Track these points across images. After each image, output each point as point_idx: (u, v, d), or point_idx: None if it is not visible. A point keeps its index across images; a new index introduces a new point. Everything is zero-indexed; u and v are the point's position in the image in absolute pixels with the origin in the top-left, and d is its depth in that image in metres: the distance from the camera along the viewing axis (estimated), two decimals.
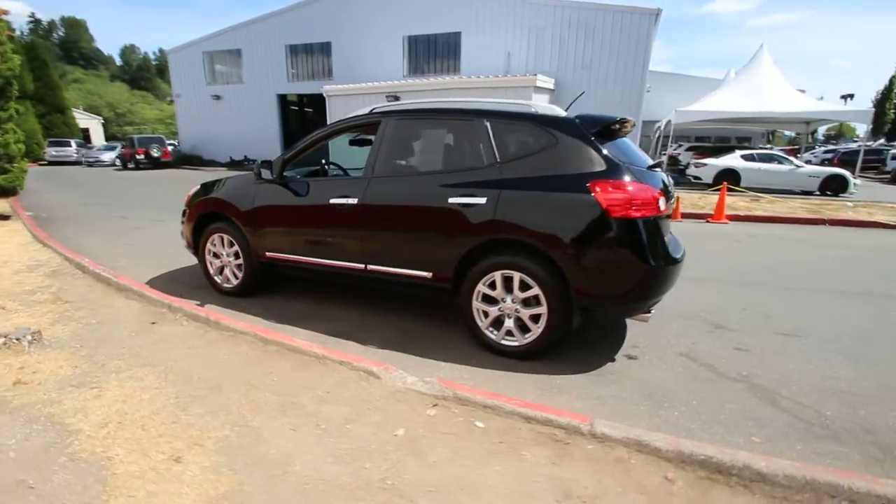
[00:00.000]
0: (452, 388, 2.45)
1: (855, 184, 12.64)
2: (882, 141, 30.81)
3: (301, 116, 25.50)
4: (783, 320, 3.83)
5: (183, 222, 4.54)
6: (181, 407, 2.38)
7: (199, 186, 4.47)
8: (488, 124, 3.10)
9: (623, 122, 2.99)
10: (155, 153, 20.14)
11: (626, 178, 2.74)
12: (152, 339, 3.24)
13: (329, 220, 3.58)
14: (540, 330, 2.96)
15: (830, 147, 30.22)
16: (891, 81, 33.24)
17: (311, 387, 2.59)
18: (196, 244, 4.42)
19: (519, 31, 16.86)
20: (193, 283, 4.63)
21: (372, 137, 4.52)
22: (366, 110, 3.71)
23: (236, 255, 4.18)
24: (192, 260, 5.32)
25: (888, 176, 20.14)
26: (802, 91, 16.64)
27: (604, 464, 2.00)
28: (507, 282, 3.01)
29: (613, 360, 3.10)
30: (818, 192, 12.83)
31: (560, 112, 3.06)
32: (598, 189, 2.72)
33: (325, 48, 20.15)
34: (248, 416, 2.30)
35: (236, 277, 4.23)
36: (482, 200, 2.97)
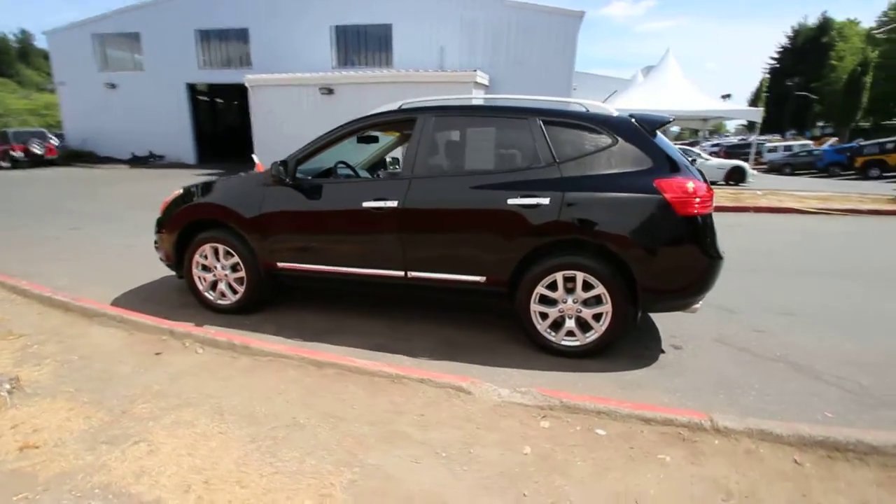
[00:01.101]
0: (558, 396, 2.38)
1: (752, 174, 14.47)
2: (755, 136, 35.56)
3: (212, 108, 23.34)
4: (771, 301, 4.24)
5: (159, 234, 3.91)
6: (268, 452, 2.04)
7: (180, 191, 3.88)
8: (542, 123, 3.03)
9: (670, 122, 3.09)
10: (37, 149, 17.09)
11: (688, 177, 2.84)
12: (169, 374, 2.75)
13: (362, 225, 3.29)
14: (603, 328, 2.98)
15: (715, 141, 34.26)
16: (760, 83, 38.46)
17: (401, 411, 2.36)
18: (179, 258, 3.83)
19: (451, 25, 16.87)
20: (171, 302, 4.03)
21: (378, 134, 4.28)
22: (393, 106, 3.45)
23: (234, 268, 3.70)
24: (152, 274, 4.69)
25: (765, 166, 23.32)
26: (727, 95, 18.64)
27: (737, 457, 2.06)
28: (568, 282, 2.99)
29: (663, 351, 3.22)
30: (723, 182, 14.48)
31: (612, 111, 3.08)
32: (665, 188, 2.78)
33: (241, 35, 18.55)
34: (357, 453, 2.03)
35: (234, 292, 3.74)
36: (545, 201, 2.91)
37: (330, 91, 14.97)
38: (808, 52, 43.16)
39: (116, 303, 3.96)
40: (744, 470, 1.98)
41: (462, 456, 2.03)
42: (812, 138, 33.51)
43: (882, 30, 34.30)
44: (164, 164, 19.39)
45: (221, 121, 23.89)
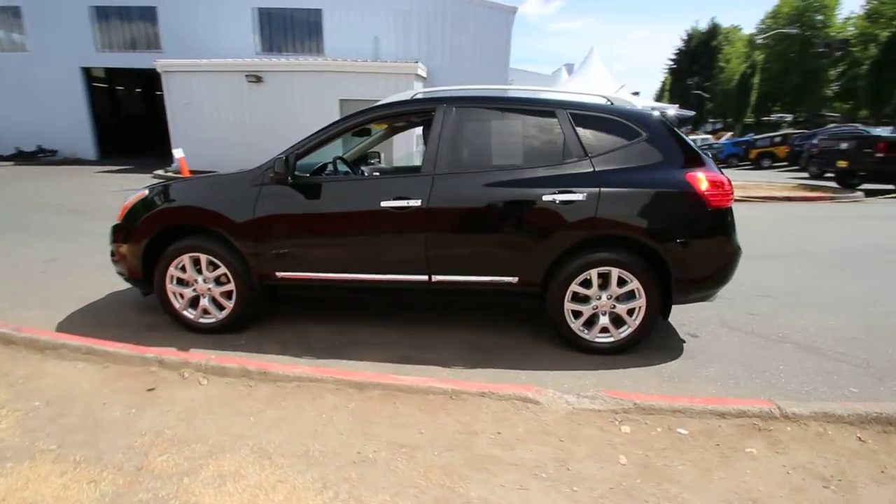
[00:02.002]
0: (630, 398, 2.32)
1: None
2: None
3: (111, 96, 20.71)
4: (751, 284, 4.54)
5: (119, 244, 3.30)
6: (351, 497, 1.75)
7: (145, 192, 3.29)
8: (571, 117, 2.94)
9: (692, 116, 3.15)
10: None
11: (713, 170, 2.91)
12: (176, 414, 2.30)
13: (380, 227, 3.00)
14: (637, 323, 2.98)
15: None
16: (663, 83, 41.98)
17: (473, 431, 2.16)
18: (148, 272, 3.27)
19: (385, 15, 16.35)
20: (134, 324, 3.45)
21: (369, 127, 3.95)
22: (405, 96, 3.18)
23: (218, 281, 3.22)
24: (94, 291, 4.05)
25: None
26: (637, 93, 19.92)
27: (810, 441, 2.13)
28: (602, 278, 2.95)
29: (684, 340, 3.31)
30: None
31: (637, 105, 3.07)
32: (696, 181, 2.82)
33: (147, 14, 16.53)
34: (453, 486, 1.81)
35: (220, 308, 3.27)
36: (581, 196, 2.83)
37: (258, 79, 13.86)
38: (700, 54, 47.86)
39: (64, 329, 3.29)
40: (823, 453, 2.05)
41: (563, 475, 1.89)
42: (710, 132, 37.23)
43: (762, 36, 38.87)
44: (56, 160, 16.84)
45: (123, 110, 21.29)
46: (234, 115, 14.10)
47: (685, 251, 2.85)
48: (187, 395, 2.46)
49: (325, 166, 3.57)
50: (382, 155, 4.89)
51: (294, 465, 1.93)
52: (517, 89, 3.57)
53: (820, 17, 38.95)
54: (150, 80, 20.67)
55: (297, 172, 3.11)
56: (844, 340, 3.31)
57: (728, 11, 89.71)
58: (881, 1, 34.21)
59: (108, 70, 19.13)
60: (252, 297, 3.23)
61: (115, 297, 4.01)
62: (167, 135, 14.14)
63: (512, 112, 3.05)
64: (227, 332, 3.29)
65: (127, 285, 4.11)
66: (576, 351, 3.07)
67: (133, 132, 20.31)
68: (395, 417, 2.26)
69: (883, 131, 12.19)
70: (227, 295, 3.24)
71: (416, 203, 2.91)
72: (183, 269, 3.22)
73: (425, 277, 3.03)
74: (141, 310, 3.72)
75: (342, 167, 3.64)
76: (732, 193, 2.95)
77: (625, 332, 3.01)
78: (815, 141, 14.88)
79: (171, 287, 3.26)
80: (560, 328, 3.04)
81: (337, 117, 14.43)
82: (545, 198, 2.85)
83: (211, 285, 3.24)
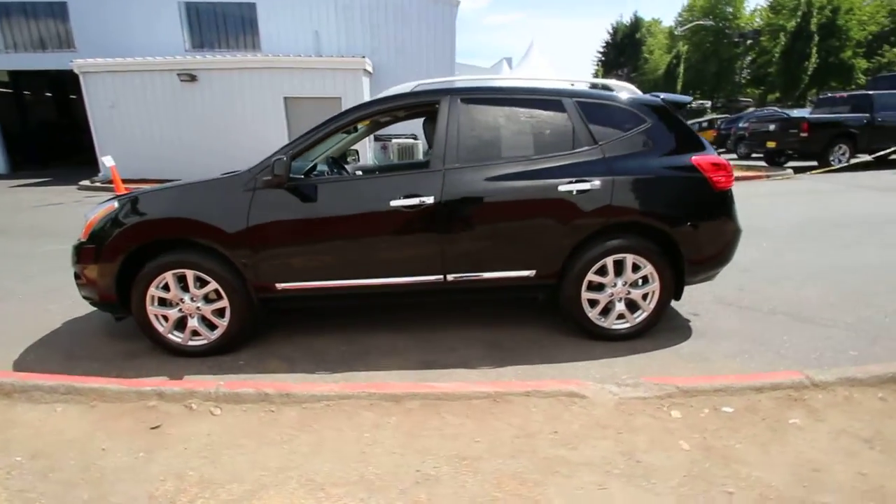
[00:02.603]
0: (672, 383, 2.33)
1: None
2: None
3: (17, 102, 18.55)
4: None
5: (87, 265, 2.90)
6: None
7: (114, 205, 2.91)
8: (578, 105, 2.92)
9: (690, 102, 3.22)
10: None
11: (713, 154, 2.99)
12: (196, 452, 2.04)
13: (391, 227, 2.83)
14: (651, 307, 3.02)
15: None
16: (595, 74, 43.76)
17: (529, 433, 2.08)
18: (124, 295, 2.90)
19: (325, 8, 15.72)
20: (107, 353, 3.10)
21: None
22: (404, 88, 3.01)
23: (207, 298, 2.93)
24: (45, 321, 3.58)
25: None
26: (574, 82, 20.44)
27: (841, 405, 2.24)
28: (617, 265, 2.96)
29: (688, 320, 3.41)
30: None
31: (637, 92, 3.09)
32: (702, 165, 2.90)
33: (57, 10, 14.83)
34: (533, 495, 1.72)
35: (212, 328, 2.98)
36: (597, 184, 2.81)
37: (192, 78, 12.90)
38: (626, 46, 50.32)
39: (26, 367, 2.86)
40: (856, 416, 2.16)
41: (635, 469, 1.86)
42: None
43: (682, 28, 41.43)
44: None
45: (33, 118, 19.14)
46: (167, 117, 13.07)
47: (695, 233, 2.92)
48: (201, 429, 2.19)
49: (315, 166, 3.33)
50: (359, 153, 4.68)
51: (353, 493, 1.76)
52: (509, 79, 3.51)
53: (730, 10, 42.10)
54: (62, 83, 18.79)
55: (291, 174, 2.87)
56: (826, 307, 3.54)
57: (649, 5, 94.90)
58: None
59: (13, 73, 17.10)
60: (249, 313, 2.96)
61: (76, 326, 3.55)
62: (87, 142, 12.88)
63: (519, 101, 2.97)
64: (222, 354, 3.00)
65: (86, 311, 3.69)
66: (593, 339, 3.07)
67: (46, 141, 18.32)
68: (443, 428, 2.13)
69: (801, 112, 13.31)
70: (220, 312, 2.95)
71: (429, 200, 2.77)
72: (166, 287, 2.89)
73: (440, 277, 2.90)
74: (112, 336, 3.32)
75: (327, 167, 3.41)
76: (732, 175, 3.05)
77: (640, 316, 3.04)
78: (742, 124, 16.03)
79: (152, 309, 2.91)
80: (577, 318, 3.03)
81: (282, 116, 13.73)
82: (561, 188, 2.81)
83: (200, 303, 2.93)
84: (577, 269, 2.91)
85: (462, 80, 3.06)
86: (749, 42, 32.21)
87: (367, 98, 14.27)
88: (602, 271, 2.95)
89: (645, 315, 3.03)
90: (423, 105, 2.99)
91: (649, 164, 2.89)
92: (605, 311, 3.05)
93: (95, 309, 3.32)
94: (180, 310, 2.94)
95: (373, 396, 2.31)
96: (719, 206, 2.97)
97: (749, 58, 40.99)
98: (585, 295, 2.98)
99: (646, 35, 50.25)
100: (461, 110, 2.89)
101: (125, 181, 11.50)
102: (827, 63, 32.59)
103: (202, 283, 2.90)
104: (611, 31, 53.69)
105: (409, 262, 2.88)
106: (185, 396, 2.37)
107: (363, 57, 13.65)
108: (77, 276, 2.99)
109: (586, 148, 2.89)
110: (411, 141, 14.34)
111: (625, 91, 3.10)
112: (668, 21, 53.23)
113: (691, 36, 41.58)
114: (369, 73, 14.83)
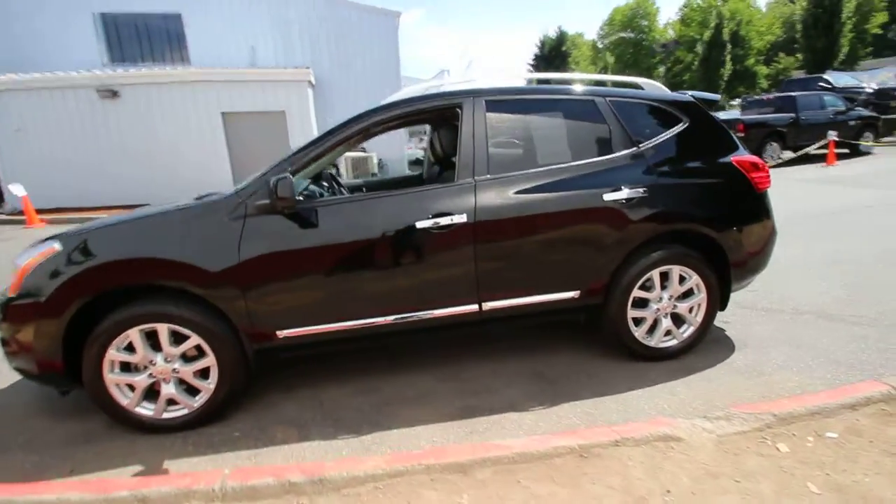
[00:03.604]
0: (767, 410, 2.06)
1: None
2: None
3: None
4: None
5: (15, 327, 2.21)
6: None
7: (56, 247, 2.24)
8: (613, 105, 2.65)
9: (718, 100, 3.06)
10: None
11: (750, 154, 2.83)
12: None
13: (418, 252, 2.39)
14: (699, 320, 2.80)
15: None
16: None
17: (639, 495, 1.72)
18: (69, 360, 2.24)
19: (260, 21, 14.85)
20: (52, 439, 2.41)
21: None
22: (418, 90, 2.60)
23: (185, 357, 2.34)
24: None
25: None
26: None
27: None
28: (662, 278, 2.70)
29: (723, 329, 3.22)
30: None
31: (665, 89, 2.88)
32: (745, 167, 2.73)
33: None
34: None
35: (193, 393, 2.37)
36: (642, 192, 2.54)
37: (114, 94, 11.60)
38: (553, 58, 52.58)
39: None
40: None
41: None
42: None
43: (603, 42, 43.93)
44: None
45: None
46: (86, 138, 11.65)
47: (741, 238, 2.74)
48: None
49: (307, 186, 2.82)
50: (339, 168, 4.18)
51: None
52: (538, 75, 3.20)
53: (646, 23, 45.27)
54: None
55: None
56: (843, 303, 3.50)
57: (568, 19, 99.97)
58: (691, 8, 40.91)
59: None
60: (242, 370, 2.39)
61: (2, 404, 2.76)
62: None
63: (547, 103, 2.66)
64: (207, 425, 2.40)
65: (11, 379, 2.92)
66: (638, 360, 2.79)
67: None
68: (531, 501, 1.71)
69: (732, 114, 14.16)
70: (203, 373, 2.36)
71: (462, 219, 2.37)
72: (130, 348, 2.26)
73: (475, 307, 2.50)
74: (55, 415, 2.60)
75: (325, 183, 2.91)
76: (769, 176, 2.90)
77: (686, 331, 2.80)
78: None
79: (112, 377, 2.27)
80: (624, 338, 2.73)
81: (221, 134, 12.69)
82: (606, 196, 2.51)
83: (177, 364, 2.32)
84: (624, 286, 2.62)
85: (479, 82, 2.70)
86: (666, 52, 34.65)
87: (312, 112, 13.57)
88: (646, 286, 2.68)
89: (692, 329, 2.80)
90: (438, 109, 2.59)
91: (692, 168, 2.68)
92: (651, 329, 2.78)
93: (22, 378, 2.57)
94: (150, 374, 2.31)
95: (431, 469, 1.85)
96: (761, 207, 2.81)
97: (665, 67, 44.15)
98: (631, 313, 2.69)
99: (571, 48, 52.83)
100: (487, 114, 2.52)
101: (39, 212, 10.06)
102: (734, 70, 35.68)
103: (179, 338, 2.30)
104: (539, 44, 56.05)
105: (439, 291, 2.45)
106: (179, 499, 1.78)
107: (307, 68, 12.94)
108: (5, 343, 2.27)
109: (626, 151, 2.62)
110: (363, 154, 13.81)
111: (655, 89, 2.88)
112: (590, 35, 56.35)
113: (614, 48, 44.19)
114: (312, 84, 14.15)
